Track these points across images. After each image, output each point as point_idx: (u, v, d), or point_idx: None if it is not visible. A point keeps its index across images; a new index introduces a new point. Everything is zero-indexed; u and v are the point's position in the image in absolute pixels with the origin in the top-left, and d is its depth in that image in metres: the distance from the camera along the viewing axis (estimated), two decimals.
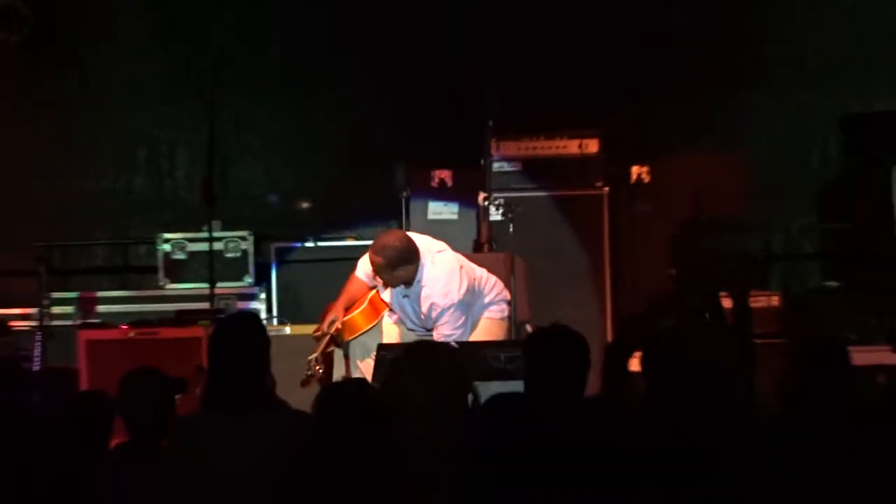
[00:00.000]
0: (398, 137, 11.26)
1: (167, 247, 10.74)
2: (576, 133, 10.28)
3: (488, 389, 5.65)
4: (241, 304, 10.24)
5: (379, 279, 8.32)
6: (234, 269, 10.56)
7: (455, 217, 10.30)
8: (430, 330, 8.28)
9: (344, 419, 4.90)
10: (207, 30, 11.46)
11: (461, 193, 10.37)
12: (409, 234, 8.62)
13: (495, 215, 9.74)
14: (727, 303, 7.66)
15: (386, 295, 8.41)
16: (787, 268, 11.30)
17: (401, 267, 8.13)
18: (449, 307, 8.15)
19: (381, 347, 7.94)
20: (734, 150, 11.09)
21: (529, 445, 5.00)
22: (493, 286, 8.53)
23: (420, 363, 5.10)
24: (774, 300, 10.05)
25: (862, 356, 7.30)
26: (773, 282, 10.97)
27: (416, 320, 8.37)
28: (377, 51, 11.66)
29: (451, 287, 8.18)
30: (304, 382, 7.96)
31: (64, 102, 11.90)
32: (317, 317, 8.54)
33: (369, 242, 8.65)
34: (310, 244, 10.41)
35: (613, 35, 11.27)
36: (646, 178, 10.13)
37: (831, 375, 5.60)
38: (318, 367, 8.06)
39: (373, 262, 8.24)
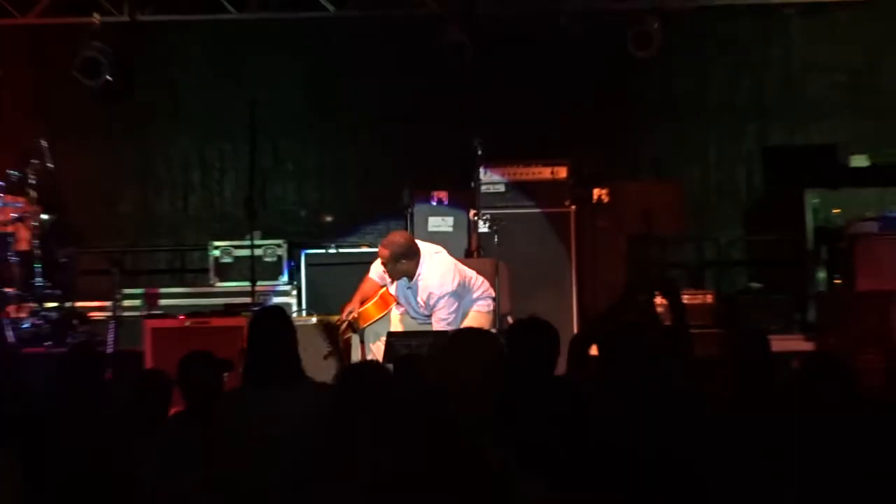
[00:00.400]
0: (404, 163, 11.34)
1: (217, 252, 10.82)
2: (549, 162, 10.31)
3: None
4: (277, 299, 10.28)
5: (386, 273, 8.35)
6: (271, 270, 10.64)
7: (451, 229, 10.32)
8: (429, 316, 8.32)
9: (360, 392, 4.92)
10: (253, 79, 11.49)
11: (456, 210, 10.38)
12: (401, 239, 8.68)
13: (483, 228, 9.73)
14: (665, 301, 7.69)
15: (393, 289, 8.43)
16: (718, 272, 11.36)
17: (403, 260, 8.18)
18: (444, 296, 8.20)
19: (391, 334, 8.01)
20: (677, 177, 11.15)
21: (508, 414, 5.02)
22: (480, 285, 8.54)
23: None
24: (709, 298, 10.11)
25: (780, 344, 7.32)
26: (707, 283, 11.02)
27: (417, 309, 8.40)
28: (388, 96, 11.77)
29: (445, 279, 8.24)
30: (326, 356, 8.06)
31: (134, 136, 12.01)
32: (337, 309, 8.58)
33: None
34: (332, 250, 10.46)
35: (582, 88, 11.37)
36: (605, 199, 10.15)
37: (755, 359, 5.62)
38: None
39: (381, 255, 8.31)
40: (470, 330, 6.50)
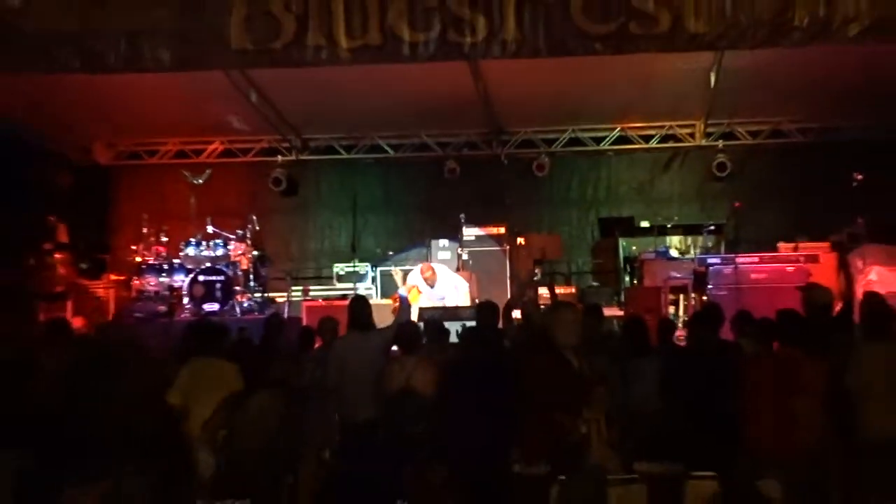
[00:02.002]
0: (426, 224, 11.34)
1: (337, 269, 10.84)
2: (496, 224, 10.35)
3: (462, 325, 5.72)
4: (365, 292, 10.22)
5: (422, 280, 8.42)
6: (362, 278, 10.65)
7: (449, 257, 10.34)
8: (442, 298, 8.41)
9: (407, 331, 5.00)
10: (354, 184, 11.58)
11: (451, 247, 10.40)
12: (433, 264, 8.82)
13: (464, 257, 9.80)
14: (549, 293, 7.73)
15: (421, 286, 8.50)
16: (578, 277, 11.31)
17: (431, 273, 8.44)
18: (446, 286, 8.40)
19: (421, 308, 8.07)
20: (558, 232, 11.15)
21: (480, 344, 5.03)
22: (463, 283, 8.63)
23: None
24: (573, 289, 10.12)
25: (608, 311, 7.36)
26: (572, 283, 11.00)
27: (433, 295, 8.45)
28: (418, 192, 11.84)
29: (448, 280, 8.43)
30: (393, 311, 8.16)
31: (298, 214, 11.99)
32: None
33: (414, 267, 8.84)
34: (391, 267, 10.35)
35: (511, 190, 11.38)
36: (523, 243, 10.16)
37: (595, 319, 5.61)
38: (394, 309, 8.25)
39: (427, 269, 8.67)
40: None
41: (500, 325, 5.66)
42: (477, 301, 8.40)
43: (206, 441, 4.57)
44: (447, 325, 6.19)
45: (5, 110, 9.53)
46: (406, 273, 8.78)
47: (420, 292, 8.56)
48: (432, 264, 9.05)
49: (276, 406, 4.02)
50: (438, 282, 8.56)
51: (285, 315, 9.37)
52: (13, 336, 6.61)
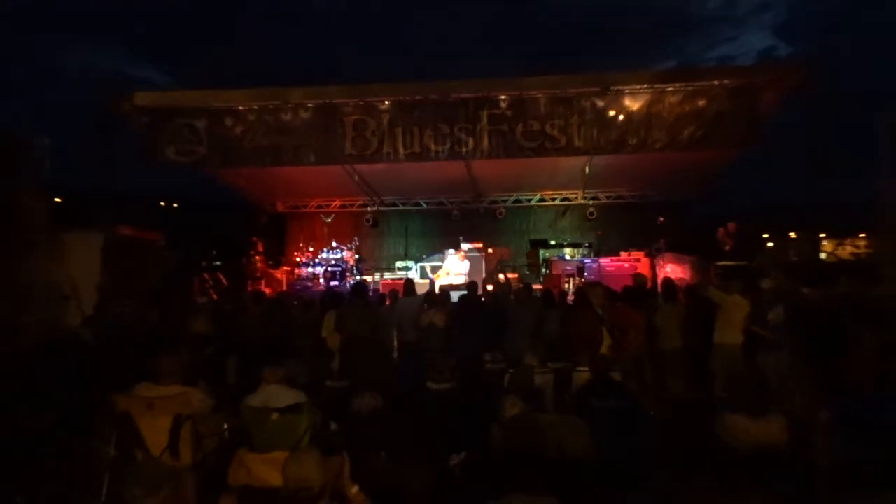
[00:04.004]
0: (444, 244, 10.75)
1: (398, 264, 10.54)
2: (479, 243, 9.94)
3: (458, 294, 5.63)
4: (412, 276, 9.79)
5: (456, 258, 8.41)
6: (410, 269, 10.18)
7: (455, 259, 10.09)
8: (461, 272, 8.34)
9: (433, 295, 4.87)
10: (406, 224, 11.31)
11: (456, 255, 10.11)
12: (464, 256, 8.63)
13: (463, 259, 9.63)
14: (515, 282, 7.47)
15: (453, 261, 8.36)
16: (519, 269, 10.72)
17: (460, 255, 8.32)
18: (465, 265, 8.28)
19: (440, 285, 7.85)
20: (509, 248, 10.74)
21: (469, 302, 4.99)
22: (466, 267, 8.44)
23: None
24: (516, 275, 9.59)
25: (535, 286, 7.08)
26: (517, 272, 10.42)
27: (459, 268, 8.42)
28: (438, 229, 11.41)
29: (464, 264, 8.32)
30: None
31: (379, 238, 11.47)
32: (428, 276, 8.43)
33: (440, 263, 8.67)
34: (426, 263, 10.05)
35: (487, 227, 10.95)
36: (492, 252, 9.89)
37: (529, 290, 5.51)
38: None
39: (456, 252, 8.38)
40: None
41: (481, 292, 5.57)
42: (467, 281, 8.35)
43: (334, 353, 4.64)
44: (452, 293, 6.11)
45: (236, 186, 10.07)
46: (433, 267, 8.67)
47: (448, 273, 8.48)
48: (465, 255, 8.85)
49: (358, 311, 4.53)
50: (464, 262, 8.55)
51: (371, 288, 9.25)
52: (236, 297, 6.71)
